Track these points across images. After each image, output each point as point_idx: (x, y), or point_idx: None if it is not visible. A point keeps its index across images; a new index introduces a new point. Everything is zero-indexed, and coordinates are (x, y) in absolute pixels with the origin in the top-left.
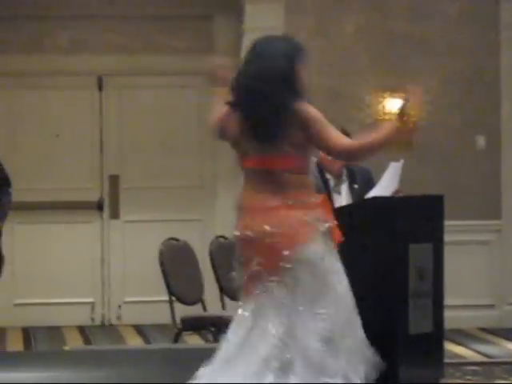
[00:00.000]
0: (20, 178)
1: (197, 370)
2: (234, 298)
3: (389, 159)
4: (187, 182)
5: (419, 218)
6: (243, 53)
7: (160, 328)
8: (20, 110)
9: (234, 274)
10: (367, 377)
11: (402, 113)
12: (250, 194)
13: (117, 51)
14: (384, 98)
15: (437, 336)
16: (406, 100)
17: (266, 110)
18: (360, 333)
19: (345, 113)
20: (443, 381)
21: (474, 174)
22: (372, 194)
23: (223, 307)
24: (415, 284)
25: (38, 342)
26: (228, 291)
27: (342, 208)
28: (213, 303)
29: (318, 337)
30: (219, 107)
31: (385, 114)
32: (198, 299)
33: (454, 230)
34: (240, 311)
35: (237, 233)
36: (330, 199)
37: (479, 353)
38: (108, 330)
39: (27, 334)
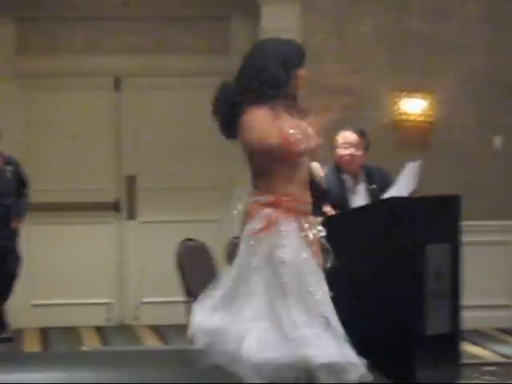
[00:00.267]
0: (37, 179)
1: (214, 371)
2: None
3: (406, 160)
4: (204, 182)
5: (436, 219)
6: None
7: (177, 329)
8: (37, 111)
9: None
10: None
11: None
12: None
13: (133, 52)
14: (401, 98)
15: (454, 336)
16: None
17: (228, 108)
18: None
19: (361, 113)
20: (460, 381)
21: (490, 174)
22: (389, 194)
23: None
24: (432, 284)
25: (55, 343)
26: None
27: (359, 208)
28: None
29: None
30: None
31: (401, 114)
32: None
33: (471, 230)
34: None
35: None
36: (345, 199)
37: (496, 353)
38: (125, 330)
39: (44, 334)
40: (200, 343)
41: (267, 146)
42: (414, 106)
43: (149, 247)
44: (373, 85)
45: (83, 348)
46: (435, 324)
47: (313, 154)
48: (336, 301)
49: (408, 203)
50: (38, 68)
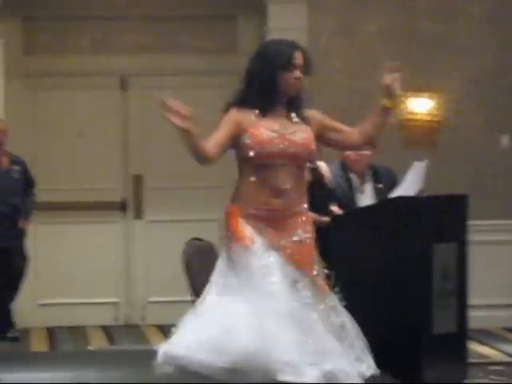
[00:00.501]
0: (44, 179)
1: None
2: None
3: (413, 159)
4: (211, 182)
5: (443, 218)
6: None
7: None
8: (44, 110)
9: None
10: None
11: None
12: None
13: (140, 51)
14: (407, 98)
15: (461, 336)
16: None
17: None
18: None
19: (368, 112)
20: (467, 381)
21: (498, 174)
22: (396, 193)
23: None
24: (439, 284)
25: (62, 342)
26: None
27: (366, 207)
28: None
29: None
30: None
31: (408, 113)
32: None
33: (478, 229)
34: None
35: None
36: (352, 198)
37: (503, 353)
38: (132, 330)
39: (51, 334)
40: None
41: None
42: (420, 106)
43: (155, 247)
44: (379, 84)
45: (90, 347)
46: (442, 323)
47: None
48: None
49: (415, 203)
50: (44, 67)
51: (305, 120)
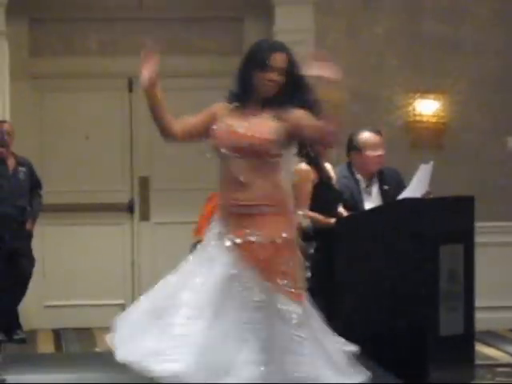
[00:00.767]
0: (50, 180)
1: None
2: None
3: (419, 161)
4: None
5: (450, 220)
6: None
7: None
8: (50, 112)
9: None
10: None
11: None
12: None
13: None
14: (414, 99)
15: (468, 337)
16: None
17: None
18: None
19: (375, 114)
20: (474, 383)
21: (504, 175)
22: (402, 195)
23: None
24: (446, 285)
25: (68, 344)
26: None
27: (372, 209)
28: None
29: None
30: None
31: (414, 115)
32: None
33: (484, 231)
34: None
35: None
36: (360, 200)
37: (510, 354)
38: None
39: (58, 335)
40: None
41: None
42: (427, 108)
43: (162, 248)
44: (386, 86)
45: (97, 349)
46: (449, 325)
47: (324, 155)
48: (349, 302)
49: (422, 204)
50: (51, 69)
51: (280, 119)
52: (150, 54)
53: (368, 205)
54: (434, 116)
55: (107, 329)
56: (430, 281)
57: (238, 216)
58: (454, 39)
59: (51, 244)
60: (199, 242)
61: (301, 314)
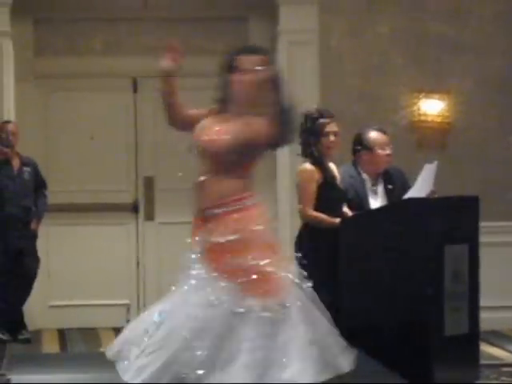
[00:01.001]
0: (55, 180)
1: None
2: None
3: (424, 160)
4: None
5: (455, 220)
6: (278, 54)
7: None
8: (55, 112)
9: None
10: None
11: None
12: None
13: (151, 53)
14: (419, 99)
15: (472, 337)
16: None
17: None
18: None
19: (379, 114)
20: (478, 382)
21: (509, 175)
22: (407, 195)
23: None
24: (451, 285)
25: (73, 344)
26: None
27: (377, 209)
28: None
29: None
30: None
31: (419, 115)
32: None
33: (489, 231)
34: None
35: None
36: (365, 200)
37: None
38: None
39: (63, 335)
40: None
41: None
42: (431, 107)
43: (167, 248)
44: (390, 86)
45: (101, 349)
46: (454, 325)
47: (328, 155)
48: (353, 302)
49: (426, 204)
50: (56, 69)
51: (248, 125)
52: (175, 46)
53: (374, 204)
54: (438, 116)
55: (112, 329)
56: (435, 281)
57: (201, 216)
58: (459, 39)
59: (56, 244)
60: None
61: (261, 308)
